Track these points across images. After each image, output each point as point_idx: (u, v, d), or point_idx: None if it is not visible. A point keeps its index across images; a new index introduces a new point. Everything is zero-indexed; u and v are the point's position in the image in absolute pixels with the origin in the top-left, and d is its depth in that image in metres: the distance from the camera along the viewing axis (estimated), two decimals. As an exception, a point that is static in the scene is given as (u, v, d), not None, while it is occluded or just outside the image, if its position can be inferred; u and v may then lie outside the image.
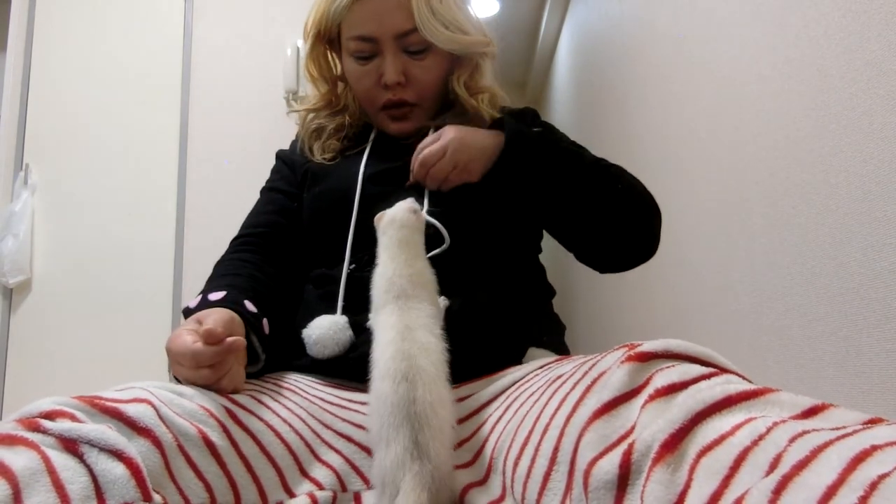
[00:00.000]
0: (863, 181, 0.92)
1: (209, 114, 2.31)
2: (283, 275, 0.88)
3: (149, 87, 2.33)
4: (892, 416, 0.38)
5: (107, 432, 0.47)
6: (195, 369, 0.63)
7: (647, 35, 1.94)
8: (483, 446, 0.64)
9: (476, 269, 0.81)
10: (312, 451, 0.66)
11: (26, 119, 2.29)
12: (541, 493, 0.50)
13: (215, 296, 0.73)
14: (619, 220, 0.84)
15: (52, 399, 0.49)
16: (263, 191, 0.99)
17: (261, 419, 0.64)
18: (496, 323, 0.77)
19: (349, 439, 0.70)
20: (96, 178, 2.27)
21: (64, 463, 0.44)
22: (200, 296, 0.74)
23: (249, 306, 0.73)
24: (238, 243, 0.90)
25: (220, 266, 0.87)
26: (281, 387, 0.73)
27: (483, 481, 0.61)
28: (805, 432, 0.34)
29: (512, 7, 3.53)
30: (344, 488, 0.65)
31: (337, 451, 0.68)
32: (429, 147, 0.82)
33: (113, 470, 0.45)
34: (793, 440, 0.34)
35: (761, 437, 0.35)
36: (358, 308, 0.78)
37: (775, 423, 0.36)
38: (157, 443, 0.51)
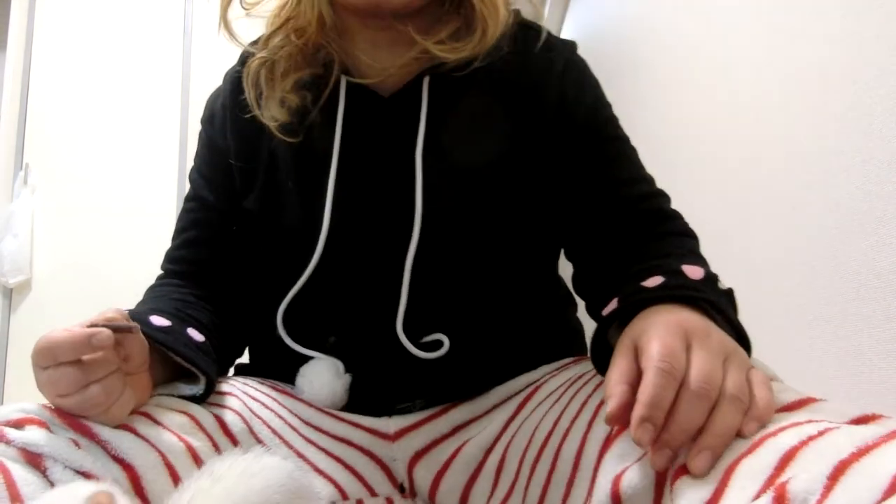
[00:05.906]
0: (863, 181, 0.92)
1: (209, 114, 2.31)
2: (231, 312, 0.72)
3: (149, 88, 2.33)
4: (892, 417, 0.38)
5: (74, 452, 0.44)
6: (55, 367, 0.45)
7: (647, 35, 1.94)
8: (493, 445, 0.62)
9: (479, 299, 0.67)
10: (305, 459, 0.60)
11: (26, 119, 2.29)
12: (565, 500, 0.49)
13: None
14: None
15: (19, 406, 0.46)
16: (191, 191, 0.78)
17: (249, 429, 0.59)
18: (501, 362, 0.68)
19: (347, 442, 0.64)
20: (96, 177, 2.27)
21: (25, 477, 0.41)
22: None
23: (158, 321, 0.59)
24: (167, 277, 0.75)
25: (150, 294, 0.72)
26: (261, 391, 0.66)
27: (495, 483, 0.59)
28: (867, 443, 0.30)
29: (512, 7, 3.53)
30: (345, 496, 0.60)
31: (334, 457, 0.62)
32: (702, 371, 0.39)
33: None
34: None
35: (811, 438, 0.33)
36: (346, 344, 0.67)
37: (828, 428, 0.33)
38: (128, 469, 0.47)
